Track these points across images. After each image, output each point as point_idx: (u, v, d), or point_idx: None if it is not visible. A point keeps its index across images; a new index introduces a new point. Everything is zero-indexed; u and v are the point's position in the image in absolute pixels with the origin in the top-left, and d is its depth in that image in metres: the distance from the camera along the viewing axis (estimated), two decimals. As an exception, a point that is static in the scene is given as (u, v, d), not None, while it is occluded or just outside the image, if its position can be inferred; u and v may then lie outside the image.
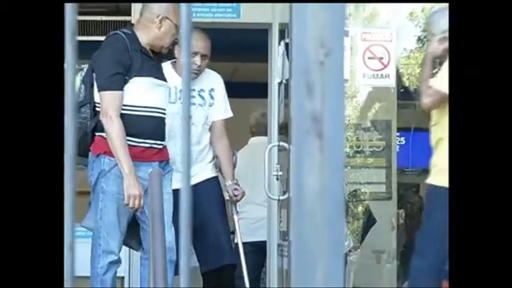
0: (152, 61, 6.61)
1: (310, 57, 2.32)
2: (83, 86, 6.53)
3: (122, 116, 6.34)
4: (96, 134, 6.47)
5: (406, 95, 10.08)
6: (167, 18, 6.58)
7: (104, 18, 11.01)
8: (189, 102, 2.23)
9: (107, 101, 6.31)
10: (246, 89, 9.37)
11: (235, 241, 8.38)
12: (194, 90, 7.06)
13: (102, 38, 10.95)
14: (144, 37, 6.56)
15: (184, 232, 2.23)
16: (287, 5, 7.04)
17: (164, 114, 6.59)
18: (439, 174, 7.17)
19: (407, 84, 9.99)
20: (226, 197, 7.62)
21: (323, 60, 2.31)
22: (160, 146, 6.58)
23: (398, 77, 10.07)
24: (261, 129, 9.57)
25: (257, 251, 9.06)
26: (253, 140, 9.45)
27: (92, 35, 10.78)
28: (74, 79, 2.53)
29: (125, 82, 6.38)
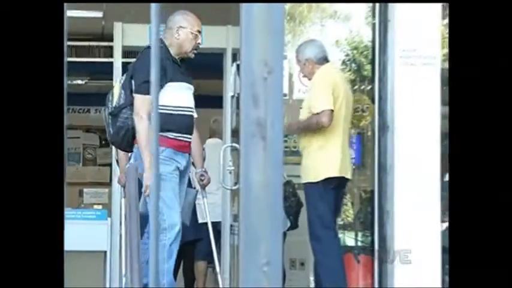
0: (181, 68, 6.50)
1: (255, 75, 2.31)
2: (122, 91, 6.40)
3: (161, 114, 6.17)
4: None
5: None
6: (182, 27, 6.46)
7: (92, 43, 10.96)
8: (157, 93, 2.21)
9: (139, 103, 6.20)
10: (206, 101, 9.31)
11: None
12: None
13: (90, 59, 10.97)
14: (171, 47, 6.44)
15: (153, 214, 2.21)
16: (238, 33, 6.99)
17: (193, 112, 6.52)
18: (304, 174, 7.21)
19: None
20: (195, 184, 7.53)
21: (266, 77, 2.30)
22: (190, 140, 6.50)
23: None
24: (213, 133, 9.61)
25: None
26: (209, 141, 9.44)
27: (81, 57, 10.75)
28: None
29: (161, 87, 6.19)
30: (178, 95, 6.38)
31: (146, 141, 6.13)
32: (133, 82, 6.33)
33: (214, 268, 8.24)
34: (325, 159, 7.00)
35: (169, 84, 6.25)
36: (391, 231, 7.13)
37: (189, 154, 6.56)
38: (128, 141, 6.39)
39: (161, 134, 6.05)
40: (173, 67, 6.36)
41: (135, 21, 8.52)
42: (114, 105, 6.40)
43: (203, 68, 8.34)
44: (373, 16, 7.55)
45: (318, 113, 6.92)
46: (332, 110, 6.93)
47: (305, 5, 12.13)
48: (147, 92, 6.11)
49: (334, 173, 6.99)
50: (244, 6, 2.34)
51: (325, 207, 7.01)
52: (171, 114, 6.28)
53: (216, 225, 8.70)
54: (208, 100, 9.86)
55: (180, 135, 6.38)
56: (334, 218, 7.26)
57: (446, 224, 7.56)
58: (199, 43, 6.56)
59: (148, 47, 6.41)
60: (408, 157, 7.11)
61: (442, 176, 7.30)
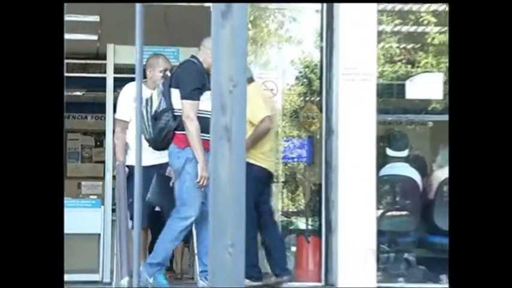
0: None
1: (223, 88, 2.31)
2: (162, 98, 6.28)
3: (199, 118, 6.15)
4: (179, 132, 6.23)
5: (289, 113, 10.04)
6: None
7: (89, 61, 10.91)
8: (141, 99, 2.21)
9: (189, 108, 6.14)
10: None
11: None
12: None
13: (87, 75, 10.92)
14: (204, 63, 6.33)
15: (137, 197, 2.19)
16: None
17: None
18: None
19: (288, 106, 9.95)
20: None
21: (232, 90, 2.30)
22: None
23: (285, 101, 10.05)
24: None
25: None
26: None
27: (79, 73, 10.71)
28: None
29: (201, 94, 6.19)
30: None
31: (198, 139, 6.08)
32: (178, 90, 6.23)
33: (189, 248, 8.20)
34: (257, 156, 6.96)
35: (207, 92, 6.16)
36: (335, 217, 7.14)
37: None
38: (167, 140, 6.27)
39: (203, 136, 6.02)
40: (208, 79, 6.30)
41: (124, 43, 8.46)
42: (155, 110, 6.27)
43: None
44: (321, 40, 7.56)
45: (261, 121, 6.91)
46: (269, 116, 6.97)
47: (265, 30, 12.13)
48: (196, 98, 6.16)
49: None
50: (213, 31, 2.33)
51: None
52: (209, 118, 6.22)
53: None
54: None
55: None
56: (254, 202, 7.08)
57: (380, 211, 7.58)
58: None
59: (191, 61, 6.41)
60: (349, 156, 7.12)
61: (377, 171, 7.32)
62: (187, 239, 8.04)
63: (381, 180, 7.59)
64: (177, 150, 6.24)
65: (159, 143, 6.39)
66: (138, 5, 2.32)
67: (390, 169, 7.96)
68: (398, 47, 9.82)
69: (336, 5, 7.13)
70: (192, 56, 6.45)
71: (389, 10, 9.05)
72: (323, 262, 7.28)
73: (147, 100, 6.34)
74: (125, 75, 7.15)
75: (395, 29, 9.26)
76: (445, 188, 7.84)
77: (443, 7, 9.30)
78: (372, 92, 7.11)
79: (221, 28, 2.29)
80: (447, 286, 7.29)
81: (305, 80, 10.36)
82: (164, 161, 6.67)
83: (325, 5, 7.32)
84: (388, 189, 8.03)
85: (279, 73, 10.07)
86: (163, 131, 6.24)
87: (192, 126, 6.09)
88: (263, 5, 11.44)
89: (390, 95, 8.91)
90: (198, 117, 6.15)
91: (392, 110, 8.63)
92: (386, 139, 8.21)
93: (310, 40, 9.74)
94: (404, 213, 7.99)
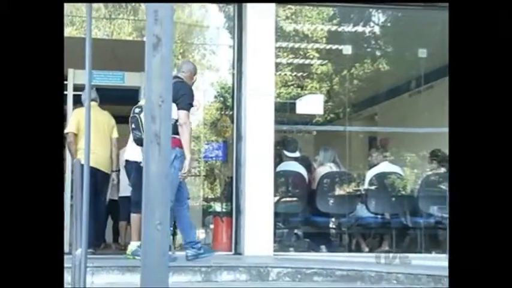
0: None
1: (154, 103, 2.27)
2: None
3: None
4: (173, 136, 5.96)
5: (209, 123, 10.00)
6: (195, 74, 6.39)
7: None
8: (89, 114, 2.14)
9: (185, 116, 6.03)
10: (127, 119, 9.19)
11: None
12: None
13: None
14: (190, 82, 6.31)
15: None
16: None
17: None
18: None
19: (208, 118, 9.92)
20: None
21: (161, 104, 2.26)
22: None
23: (206, 114, 10.01)
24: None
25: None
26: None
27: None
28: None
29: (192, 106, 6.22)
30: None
31: (190, 141, 6.09)
32: (177, 103, 6.02)
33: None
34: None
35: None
36: (243, 202, 7.14)
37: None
38: None
39: (176, 136, 5.94)
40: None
41: (82, 67, 8.31)
42: None
43: (127, 98, 8.17)
44: (233, 68, 7.56)
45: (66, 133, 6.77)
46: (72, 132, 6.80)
47: (191, 60, 12.05)
48: (189, 109, 6.09)
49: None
50: (147, 59, 2.29)
51: None
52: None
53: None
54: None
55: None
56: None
57: (277, 198, 7.61)
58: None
59: (182, 81, 6.21)
60: (254, 156, 7.14)
61: (275, 168, 7.35)
62: (128, 220, 7.92)
63: (277, 175, 7.64)
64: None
65: None
66: (87, 40, 2.25)
67: (284, 166, 8.01)
68: (291, 75, 9.93)
69: (244, 41, 7.15)
70: (177, 77, 6.25)
71: (284, 47, 9.13)
72: (233, 236, 7.27)
73: (144, 107, 6.21)
74: (80, 92, 6.94)
75: (289, 61, 9.35)
76: (325, 181, 7.93)
77: (325, 46, 9.43)
78: (271, 107, 7.15)
79: (152, 57, 2.25)
80: (326, 253, 7.38)
81: (221, 98, 10.37)
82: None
83: (236, 41, 7.33)
84: (283, 181, 8.09)
85: (201, 93, 10.05)
86: None
87: (186, 131, 6.03)
88: (190, 40, 11.36)
89: (285, 110, 9.00)
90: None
91: (286, 121, 8.71)
92: (282, 143, 8.27)
93: (225, 68, 9.75)
94: (294, 199, 8.06)
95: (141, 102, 6.39)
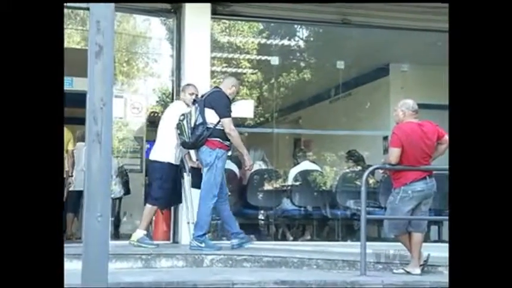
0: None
1: (96, 106, 2.24)
2: (199, 115, 6.05)
3: (222, 131, 6.06)
4: (213, 139, 6.04)
5: (151, 123, 9.88)
6: (234, 86, 6.29)
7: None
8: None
9: (229, 123, 6.03)
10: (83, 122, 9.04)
11: None
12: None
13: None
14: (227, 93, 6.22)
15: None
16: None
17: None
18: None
19: (151, 119, 9.82)
20: None
21: (102, 107, 2.23)
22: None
23: (148, 116, 9.92)
24: (82, 139, 9.20)
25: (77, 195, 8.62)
26: (79, 144, 9.07)
27: None
28: None
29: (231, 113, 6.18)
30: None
31: (241, 142, 6.11)
32: (213, 110, 6.04)
33: (78, 218, 7.92)
34: None
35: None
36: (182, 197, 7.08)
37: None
38: (201, 144, 6.09)
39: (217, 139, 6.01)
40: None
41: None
42: (193, 122, 6.06)
43: (75, 101, 8.04)
44: (173, 75, 7.53)
45: None
46: None
47: (136, 68, 11.94)
48: (230, 116, 6.09)
49: None
50: (89, 66, 2.26)
51: None
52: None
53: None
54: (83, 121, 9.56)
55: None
56: None
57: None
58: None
59: (217, 91, 6.20)
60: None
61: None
62: (77, 210, 7.76)
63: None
64: (209, 150, 6.08)
65: (195, 146, 6.20)
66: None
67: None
68: (225, 82, 9.92)
69: (183, 51, 7.12)
70: (217, 87, 6.31)
71: (219, 57, 9.16)
72: (172, 227, 7.23)
73: (187, 115, 6.15)
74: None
75: (223, 70, 9.37)
76: (255, 177, 7.98)
77: (255, 57, 9.50)
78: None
79: (95, 64, 2.23)
80: (255, 241, 7.42)
81: (162, 102, 10.30)
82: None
83: (175, 51, 7.30)
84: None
85: (144, 97, 9.96)
86: (200, 138, 6.07)
87: (235, 135, 6.06)
88: (134, 50, 11.23)
89: (219, 114, 8.97)
90: (221, 130, 6.05)
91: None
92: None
93: (165, 75, 9.70)
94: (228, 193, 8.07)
95: (184, 110, 6.28)
